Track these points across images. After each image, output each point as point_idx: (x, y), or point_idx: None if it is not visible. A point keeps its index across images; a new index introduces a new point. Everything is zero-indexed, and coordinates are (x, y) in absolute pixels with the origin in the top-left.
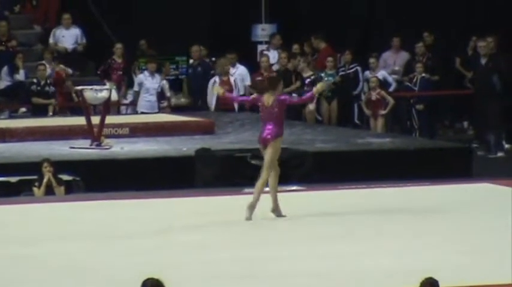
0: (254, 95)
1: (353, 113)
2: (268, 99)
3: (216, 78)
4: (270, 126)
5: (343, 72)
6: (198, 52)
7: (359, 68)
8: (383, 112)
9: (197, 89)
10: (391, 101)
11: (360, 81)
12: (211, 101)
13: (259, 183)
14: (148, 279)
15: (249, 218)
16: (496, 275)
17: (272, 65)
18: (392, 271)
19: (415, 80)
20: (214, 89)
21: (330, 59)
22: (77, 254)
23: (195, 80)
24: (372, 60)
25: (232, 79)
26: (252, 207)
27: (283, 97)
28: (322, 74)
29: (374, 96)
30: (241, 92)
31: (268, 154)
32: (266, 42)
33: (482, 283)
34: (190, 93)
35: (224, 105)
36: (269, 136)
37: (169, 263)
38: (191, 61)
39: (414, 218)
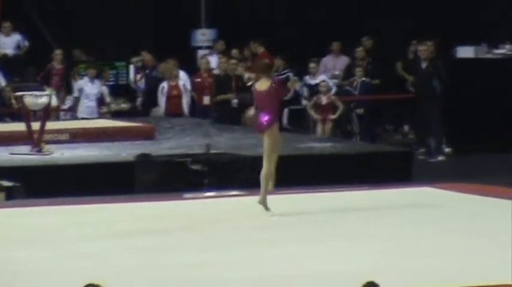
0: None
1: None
2: (261, 85)
3: (165, 84)
4: (264, 114)
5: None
6: (149, 57)
7: (290, 74)
8: (332, 117)
9: (150, 93)
10: (340, 105)
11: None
12: (161, 106)
13: (262, 173)
14: (88, 285)
15: (268, 210)
16: (437, 276)
17: (213, 69)
18: (333, 274)
19: (355, 84)
20: (246, 119)
21: (278, 62)
22: (19, 260)
23: (149, 85)
24: (312, 65)
25: (181, 83)
26: (263, 201)
27: (274, 84)
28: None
29: (324, 100)
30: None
31: (266, 143)
32: (206, 47)
33: (423, 286)
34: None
35: (174, 109)
36: (264, 124)
37: (112, 269)
38: (132, 66)
39: (355, 222)
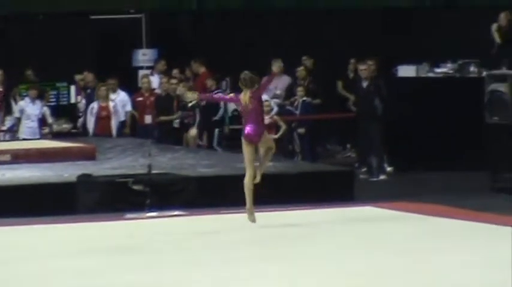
0: (232, 94)
1: (212, 138)
2: (244, 97)
3: (95, 104)
4: (250, 125)
5: None
6: (90, 77)
7: (221, 94)
8: (275, 136)
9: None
10: (283, 125)
11: (220, 107)
12: (90, 126)
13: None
14: None
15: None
16: None
17: (154, 89)
18: None
19: (296, 103)
20: (186, 96)
21: (210, 82)
22: None
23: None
24: None
25: (111, 105)
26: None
27: (257, 93)
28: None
29: (267, 120)
30: (122, 118)
31: (262, 148)
32: (147, 67)
33: None
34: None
35: (102, 130)
36: (253, 136)
37: None
38: (73, 86)
39: (296, 242)
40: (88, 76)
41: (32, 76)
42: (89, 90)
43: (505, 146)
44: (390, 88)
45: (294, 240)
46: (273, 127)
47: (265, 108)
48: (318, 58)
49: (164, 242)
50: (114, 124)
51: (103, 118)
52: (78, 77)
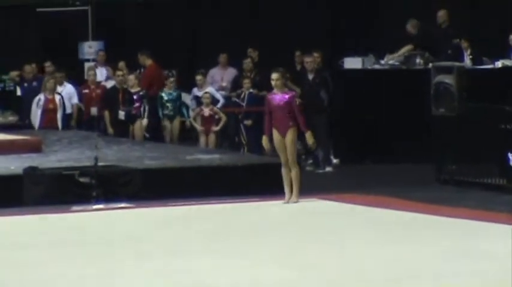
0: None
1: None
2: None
3: (41, 96)
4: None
5: None
6: (29, 69)
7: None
8: (215, 128)
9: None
10: (223, 117)
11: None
12: (35, 120)
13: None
14: None
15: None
16: None
17: (100, 82)
18: None
19: (242, 95)
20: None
21: (171, 78)
22: None
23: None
24: (198, 77)
25: (57, 98)
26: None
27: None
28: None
29: (207, 112)
30: (68, 111)
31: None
32: (93, 60)
33: None
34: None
35: (48, 123)
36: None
37: None
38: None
39: (242, 234)
40: (27, 68)
41: None
42: (26, 84)
43: (451, 138)
44: (336, 80)
45: (241, 232)
46: (213, 119)
47: (205, 100)
48: (264, 50)
49: (110, 235)
50: (60, 117)
51: (50, 111)
52: (12, 73)
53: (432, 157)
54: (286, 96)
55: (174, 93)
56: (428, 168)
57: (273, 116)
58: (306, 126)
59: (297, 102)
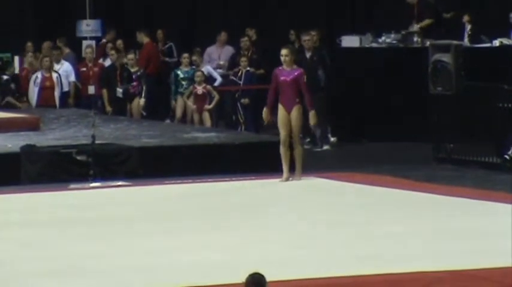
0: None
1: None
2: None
3: (38, 74)
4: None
5: None
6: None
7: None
8: (208, 107)
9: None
10: (216, 95)
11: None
12: (33, 97)
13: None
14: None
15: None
16: (325, 268)
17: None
18: (219, 265)
19: (240, 74)
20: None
21: (185, 55)
22: None
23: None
24: (194, 57)
25: (55, 75)
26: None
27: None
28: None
29: (200, 90)
30: (66, 89)
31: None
32: (91, 38)
33: (311, 276)
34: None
35: (46, 101)
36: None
37: None
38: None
39: (241, 212)
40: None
41: None
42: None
43: (449, 116)
44: (334, 59)
45: (238, 210)
46: (206, 97)
47: (198, 79)
48: (262, 29)
49: (108, 212)
50: (57, 95)
51: (47, 88)
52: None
53: (430, 136)
54: (296, 73)
55: (191, 71)
56: (426, 147)
57: (280, 91)
58: (312, 105)
59: (305, 80)
